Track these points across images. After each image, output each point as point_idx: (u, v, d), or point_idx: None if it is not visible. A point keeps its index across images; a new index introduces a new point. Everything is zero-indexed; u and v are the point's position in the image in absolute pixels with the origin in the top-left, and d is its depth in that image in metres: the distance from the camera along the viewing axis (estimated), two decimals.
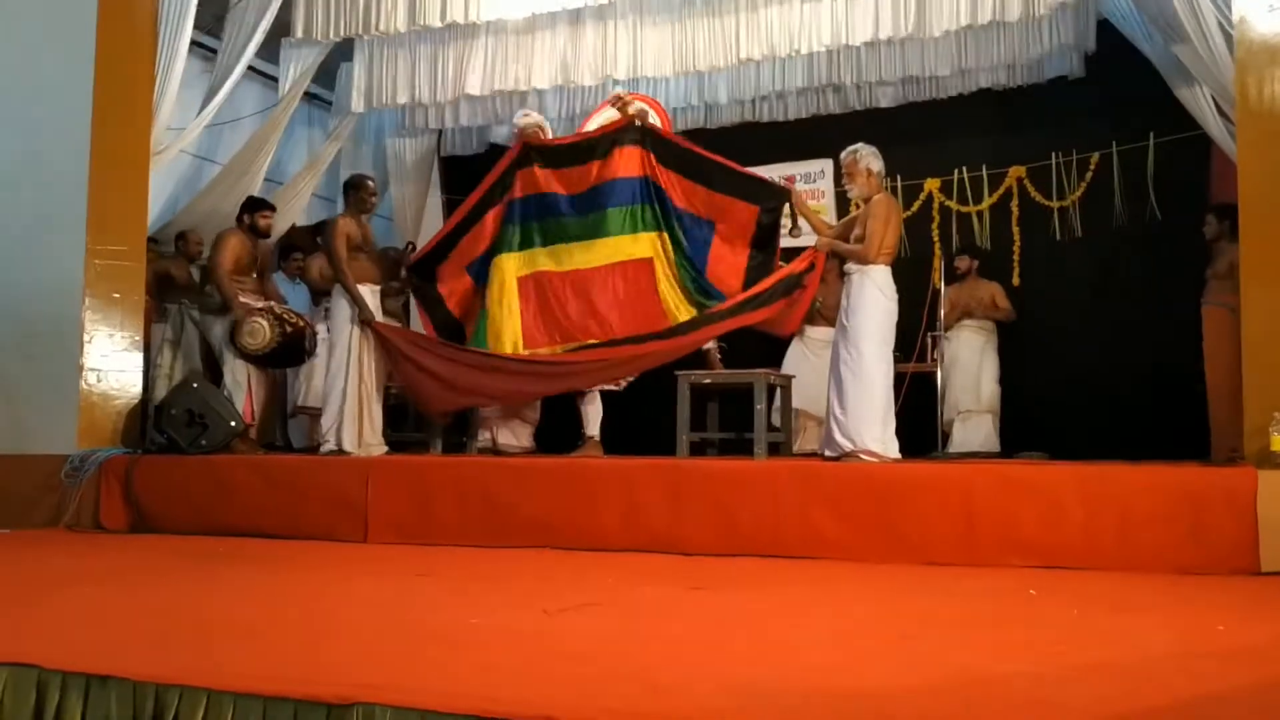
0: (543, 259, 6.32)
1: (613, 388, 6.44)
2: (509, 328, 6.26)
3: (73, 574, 4.15)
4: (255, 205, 6.82)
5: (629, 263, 6.16)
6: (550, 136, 6.63)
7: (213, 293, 6.72)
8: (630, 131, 6.25)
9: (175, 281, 7.17)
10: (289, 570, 4.31)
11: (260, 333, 6.31)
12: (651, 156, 6.20)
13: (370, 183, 6.49)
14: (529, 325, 6.25)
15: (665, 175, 6.19)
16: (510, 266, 6.37)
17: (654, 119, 6.51)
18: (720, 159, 6.25)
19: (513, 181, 6.44)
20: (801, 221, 6.05)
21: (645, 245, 6.14)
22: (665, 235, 6.14)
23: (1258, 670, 2.54)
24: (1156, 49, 6.46)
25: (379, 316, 6.34)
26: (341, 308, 6.21)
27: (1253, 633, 3.03)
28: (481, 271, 6.48)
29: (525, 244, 6.37)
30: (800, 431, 7.21)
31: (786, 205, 6.03)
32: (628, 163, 6.20)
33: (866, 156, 5.59)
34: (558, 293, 6.26)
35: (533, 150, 6.42)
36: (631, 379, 6.34)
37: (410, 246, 8.04)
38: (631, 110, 6.30)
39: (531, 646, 2.66)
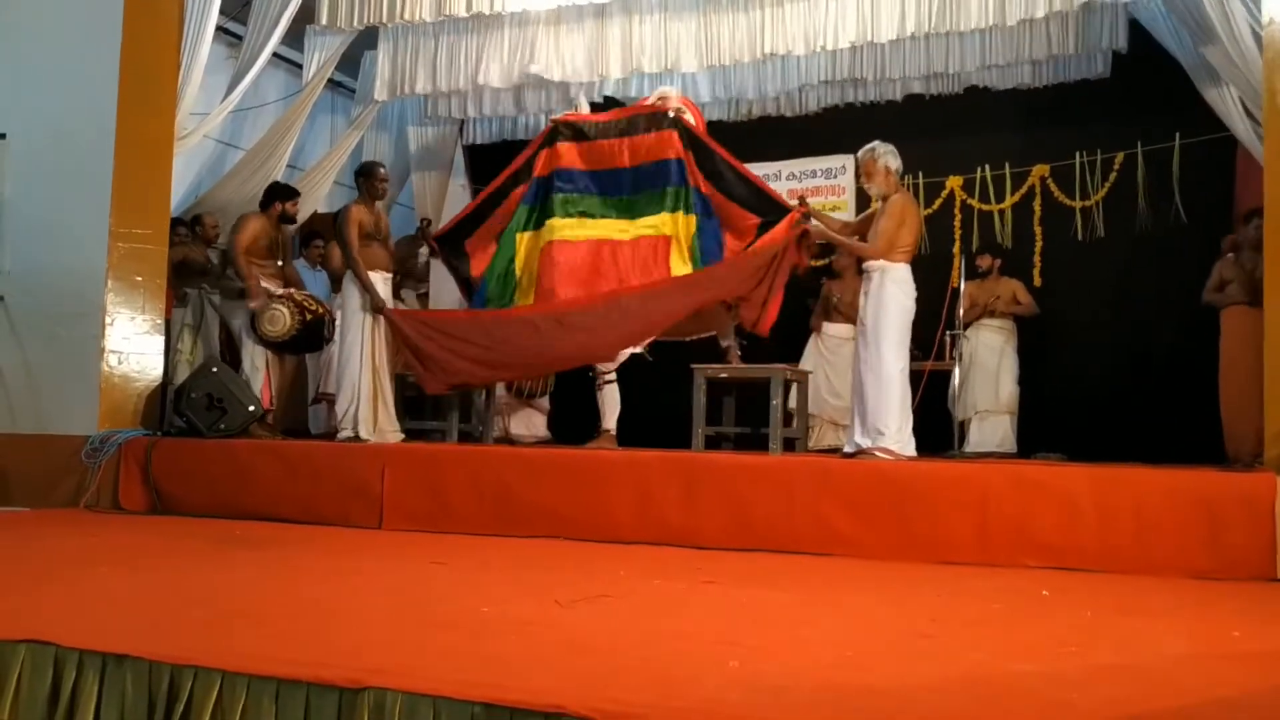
0: (564, 230, 6.33)
1: (635, 349, 6.31)
2: (523, 296, 6.31)
3: (91, 554, 4.19)
4: (286, 193, 6.87)
5: (648, 238, 6.20)
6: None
7: (233, 277, 6.77)
8: (666, 118, 6.27)
9: (191, 266, 7.21)
10: (304, 555, 4.34)
11: (280, 319, 6.35)
12: (684, 143, 6.24)
13: (381, 169, 6.52)
14: (544, 291, 6.25)
15: (693, 166, 6.24)
16: (528, 240, 6.41)
17: (689, 118, 6.51)
18: (740, 166, 6.28)
19: (535, 161, 6.48)
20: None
21: (669, 224, 6.18)
22: (692, 218, 6.17)
23: (1272, 676, 2.52)
24: (1184, 49, 6.40)
25: (390, 303, 6.36)
26: (353, 295, 6.24)
27: (1268, 638, 3.01)
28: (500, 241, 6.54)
29: (545, 218, 6.39)
30: (814, 430, 7.19)
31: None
32: (663, 145, 6.24)
33: (884, 155, 5.55)
34: (575, 258, 6.28)
35: (561, 126, 6.44)
36: (648, 345, 6.28)
37: (426, 222, 8.07)
38: (670, 104, 6.31)
39: (543, 637, 2.67)
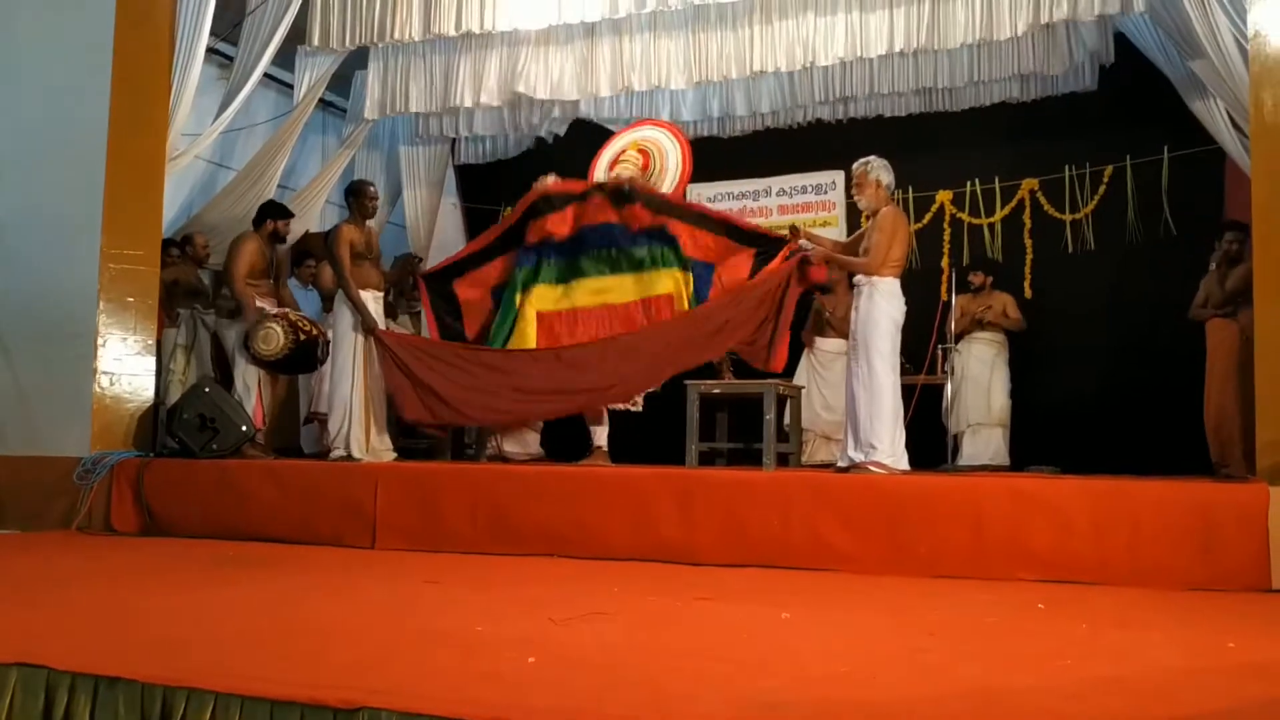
0: (561, 299, 6.30)
1: (629, 408, 6.38)
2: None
3: (83, 576, 4.17)
4: (278, 212, 6.86)
5: (652, 299, 6.16)
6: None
7: (227, 296, 6.76)
8: (624, 194, 6.22)
9: (183, 286, 7.20)
10: (297, 575, 4.32)
11: (274, 338, 6.34)
12: (653, 214, 6.20)
13: (371, 188, 6.51)
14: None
15: (673, 224, 6.19)
16: (523, 304, 6.34)
17: (674, 161, 6.49)
18: (719, 213, 6.35)
19: (526, 230, 6.42)
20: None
21: (668, 282, 6.14)
22: (688, 275, 6.14)
23: (1267, 687, 2.53)
24: (1171, 63, 6.45)
25: (381, 321, 6.35)
26: (344, 314, 6.24)
27: (1263, 650, 3.01)
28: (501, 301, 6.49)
29: (535, 282, 6.34)
30: (807, 445, 7.19)
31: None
32: (638, 214, 6.22)
33: (878, 169, 5.60)
34: (580, 327, 6.25)
35: (540, 202, 6.37)
36: (641, 397, 6.30)
37: (418, 259, 8.07)
38: (623, 176, 6.28)
39: (538, 654, 2.66)
